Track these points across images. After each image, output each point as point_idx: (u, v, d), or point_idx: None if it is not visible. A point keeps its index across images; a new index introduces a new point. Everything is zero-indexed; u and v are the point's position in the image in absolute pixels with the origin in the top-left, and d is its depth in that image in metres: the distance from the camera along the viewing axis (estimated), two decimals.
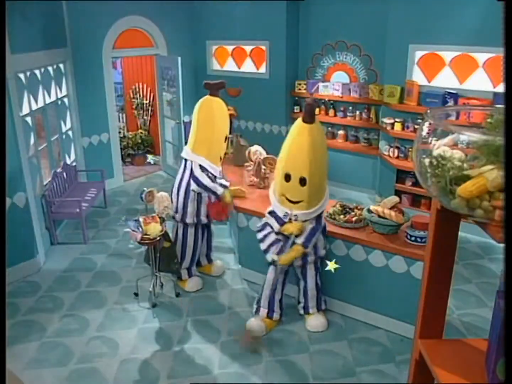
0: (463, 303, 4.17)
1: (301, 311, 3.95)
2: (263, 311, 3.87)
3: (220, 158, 4.25)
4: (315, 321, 3.88)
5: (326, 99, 6.79)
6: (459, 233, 1.58)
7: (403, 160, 5.90)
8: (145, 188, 4.09)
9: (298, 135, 3.36)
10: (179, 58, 6.62)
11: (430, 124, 1.33)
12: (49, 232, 5.27)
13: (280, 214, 3.54)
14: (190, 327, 3.93)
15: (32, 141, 5.03)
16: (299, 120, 3.36)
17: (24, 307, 4.19)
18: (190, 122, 4.70)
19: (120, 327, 3.93)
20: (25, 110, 4.87)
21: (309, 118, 3.30)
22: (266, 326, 3.82)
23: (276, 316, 3.89)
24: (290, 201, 3.48)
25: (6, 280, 4.37)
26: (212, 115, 4.07)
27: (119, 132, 7.14)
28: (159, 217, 3.98)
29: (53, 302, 4.27)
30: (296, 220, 3.49)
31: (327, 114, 6.93)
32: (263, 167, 4.62)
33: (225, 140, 4.25)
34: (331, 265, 3.80)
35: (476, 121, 1.46)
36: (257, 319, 3.83)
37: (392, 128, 5.94)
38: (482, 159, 1.21)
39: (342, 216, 3.93)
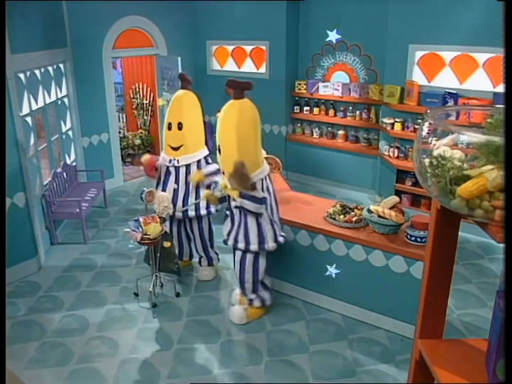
0: (463, 303, 4.16)
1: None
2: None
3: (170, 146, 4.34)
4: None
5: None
6: (459, 233, 1.58)
7: (403, 160, 5.90)
8: (145, 188, 4.09)
9: (226, 110, 3.63)
10: (179, 58, 6.62)
11: (430, 124, 1.33)
12: (49, 232, 5.27)
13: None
14: (190, 327, 3.93)
15: (32, 141, 5.03)
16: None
17: (24, 307, 4.19)
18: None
19: (120, 327, 3.93)
20: (25, 110, 4.87)
21: (236, 94, 3.63)
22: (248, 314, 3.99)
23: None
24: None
25: (6, 280, 4.37)
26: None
27: (119, 132, 7.14)
28: (159, 217, 3.98)
29: (53, 302, 4.27)
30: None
31: (327, 114, 6.93)
32: None
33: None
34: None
35: (476, 121, 1.46)
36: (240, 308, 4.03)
37: (392, 128, 5.94)
38: (482, 159, 1.21)
39: (342, 216, 3.93)
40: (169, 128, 4.24)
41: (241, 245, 3.70)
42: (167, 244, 4.12)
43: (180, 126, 4.18)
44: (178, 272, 4.34)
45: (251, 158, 3.55)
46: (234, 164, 3.38)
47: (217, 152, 3.67)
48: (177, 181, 4.28)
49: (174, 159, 4.24)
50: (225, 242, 3.86)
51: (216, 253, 4.71)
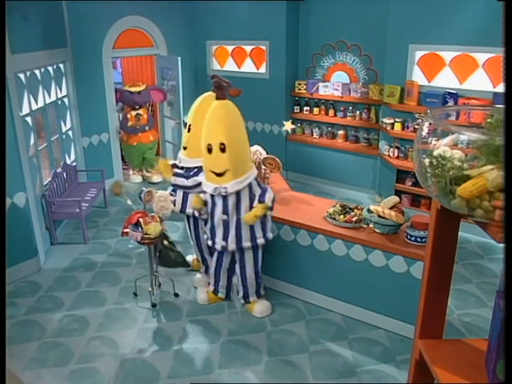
0: (463, 303, 4.16)
1: (242, 302, 4.12)
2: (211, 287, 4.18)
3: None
4: (260, 306, 4.04)
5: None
6: (459, 233, 1.58)
7: (403, 160, 5.90)
8: (144, 188, 4.09)
9: (213, 110, 3.57)
10: (179, 58, 6.61)
11: (430, 124, 1.33)
12: (49, 232, 5.27)
13: (210, 190, 3.67)
14: (190, 327, 3.93)
15: (32, 141, 5.03)
16: (214, 102, 3.60)
17: (24, 307, 4.19)
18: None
19: (120, 327, 3.93)
20: (25, 110, 4.87)
21: (220, 94, 3.58)
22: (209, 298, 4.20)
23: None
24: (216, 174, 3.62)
25: (6, 280, 4.37)
26: None
27: (119, 132, 7.14)
28: (159, 217, 3.98)
29: (53, 302, 4.27)
30: (226, 193, 3.59)
31: (327, 114, 6.93)
32: (263, 167, 4.61)
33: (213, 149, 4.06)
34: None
35: (476, 121, 1.46)
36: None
37: (392, 128, 5.94)
38: (482, 159, 1.21)
39: (342, 216, 3.93)
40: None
41: (247, 243, 3.75)
42: (166, 241, 4.11)
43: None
44: (186, 264, 4.40)
45: (248, 155, 3.87)
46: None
47: (217, 151, 3.56)
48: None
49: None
50: (222, 247, 3.82)
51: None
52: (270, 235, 3.85)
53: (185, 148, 4.12)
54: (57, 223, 5.39)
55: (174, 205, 4.13)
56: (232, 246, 3.78)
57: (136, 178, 7.32)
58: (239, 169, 3.62)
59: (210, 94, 3.89)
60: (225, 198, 3.63)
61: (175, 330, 3.88)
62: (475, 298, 4.24)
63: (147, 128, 7.09)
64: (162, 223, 3.99)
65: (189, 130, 4.01)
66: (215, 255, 4.05)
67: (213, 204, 3.75)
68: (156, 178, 7.18)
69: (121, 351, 3.64)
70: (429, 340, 1.60)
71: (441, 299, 1.61)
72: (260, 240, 3.79)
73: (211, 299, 4.22)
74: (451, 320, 3.89)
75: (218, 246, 3.84)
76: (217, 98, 3.62)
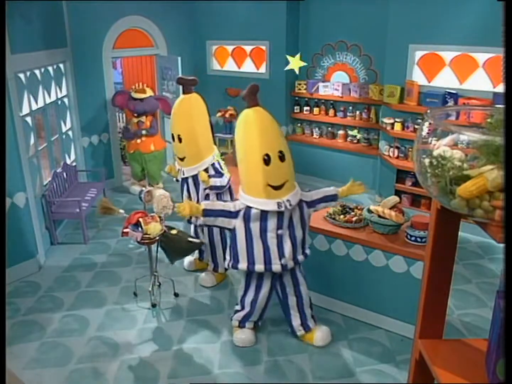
0: (463, 303, 4.16)
1: (301, 332, 3.67)
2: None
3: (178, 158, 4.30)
4: (321, 333, 3.65)
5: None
6: (459, 233, 1.58)
7: (403, 160, 5.90)
8: (143, 188, 4.09)
9: (264, 118, 3.17)
10: (179, 58, 6.61)
11: (430, 124, 1.33)
12: (49, 232, 5.27)
13: (271, 207, 3.19)
14: (190, 327, 3.93)
15: (32, 141, 5.03)
16: (248, 110, 3.16)
17: (24, 307, 4.19)
18: None
19: (120, 327, 3.93)
20: (25, 110, 4.87)
21: (254, 101, 3.16)
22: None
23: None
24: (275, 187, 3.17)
25: (6, 280, 4.37)
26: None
27: (119, 132, 7.13)
28: (159, 216, 3.98)
29: (53, 302, 4.27)
30: (290, 206, 3.21)
31: (327, 114, 6.93)
32: None
33: (175, 139, 4.21)
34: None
35: (476, 121, 1.46)
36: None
37: (392, 128, 5.94)
38: (482, 159, 1.21)
39: (342, 216, 3.93)
40: (173, 139, 4.22)
41: (300, 256, 3.48)
42: (174, 231, 3.98)
43: (180, 139, 4.11)
44: (198, 245, 4.15)
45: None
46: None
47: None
48: (188, 189, 4.31)
49: (182, 169, 4.25)
50: (282, 266, 3.34)
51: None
52: (306, 249, 3.53)
53: (182, 159, 4.19)
54: (57, 223, 5.39)
55: (174, 207, 4.14)
56: (291, 262, 3.34)
57: (135, 188, 6.71)
58: (293, 179, 3.32)
59: (183, 98, 4.13)
60: (280, 212, 3.20)
61: (175, 330, 3.88)
62: (475, 298, 4.24)
63: (143, 132, 6.49)
64: (162, 223, 3.98)
65: (180, 141, 4.10)
66: (253, 282, 3.51)
67: (264, 221, 3.22)
68: (134, 190, 6.67)
69: (121, 351, 3.64)
70: (429, 340, 1.60)
71: (441, 299, 1.61)
72: (308, 251, 3.50)
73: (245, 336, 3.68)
74: (451, 320, 3.89)
75: (276, 267, 3.31)
76: (251, 105, 3.17)
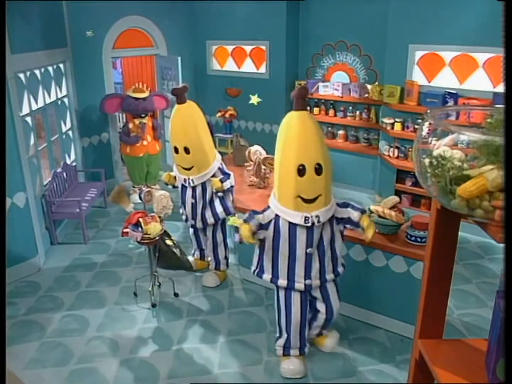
0: (463, 303, 4.16)
1: (312, 336, 3.59)
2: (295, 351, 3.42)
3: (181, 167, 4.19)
4: (332, 340, 3.62)
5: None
6: (459, 233, 1.58)
7: (403, 160, 5.90)
8: (143, 188, 4.09)
9: (304, 127, 2.91)
10: (179, 58, 6.61)
11: (430, 124, 1.33)
12: (49, 232, 5.27)
13: (297, 220, 3.01)
14: (190, 327, 3.93)
15: (32, 141, 5.03)
16: (293, 112, 2.95)
17: (24, 307, 4.19)
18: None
19: (120, 327, 3.93)
20: (25, 110, 4.87)
21: (302, 104, 2.95)
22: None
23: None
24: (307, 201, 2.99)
25: (6, 280, 4.36)
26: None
27: (119, 132, 7.13)
28: (159, 217, 3.98)
29: (53, 302, 4.27)
30: (319, 223, 3.02)
31: (327, 114, 6.93)
32: (263, 167, 4.62)
33: (179, 151, 4.08)
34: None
35: (476, 121, 1.46)
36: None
37: (392, 128, 5.94)
38: (482, 159, 1.21)
39: None
40: (176, 151, 4.08)
41: (330, 276, 3.31)
42: (170, 242, 4.07)
43: (187, 150, 4.02)
44: (186, 265, 4.22)
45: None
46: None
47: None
48: (194, 196, 4.23)
49: (189, 179, 4.13)
50: (306, 285, 3.20)
51: (226, 258, 4.63)
52: (339, 266, 3.35)
53: (189, 169, 4.10)
54: (57, 223, 5.39)
55: (173, 208, 4.15)
56: (316, 282, 3.19)
57: (136, 198, 6.47)
58: (329, 194, 3.06)
59: (180, 109, 4.03)
60: (310, 228, 3.02)
61: (175, 330, 3.88)
62: (475, 298, 4.24)
63: (149, 139, 6.35)
64: (162, 223, 3.98)
65: (188, 152, 4.00)
66: (282, 298, 3.29)
67: (293, 236, 3.05)
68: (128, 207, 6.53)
69: (121, 351, 3.64)
70: (429, 340, 1.60)
71: (441, 299, 1.61)
72: (340, 269, 3.33)
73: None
74: (451, 320, 3.89)
75: (299, 286, 3.15)
76: (297, 109, 2.93)
